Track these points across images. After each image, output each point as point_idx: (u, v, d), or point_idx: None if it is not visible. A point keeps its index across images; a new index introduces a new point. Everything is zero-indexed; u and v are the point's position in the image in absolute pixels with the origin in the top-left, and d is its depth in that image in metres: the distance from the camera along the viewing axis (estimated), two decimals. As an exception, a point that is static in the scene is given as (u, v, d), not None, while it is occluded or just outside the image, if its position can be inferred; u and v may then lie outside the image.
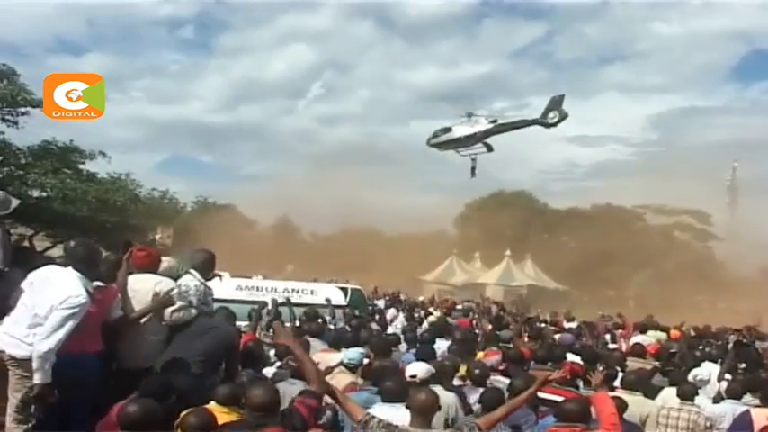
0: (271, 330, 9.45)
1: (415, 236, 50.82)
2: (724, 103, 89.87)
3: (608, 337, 14.12)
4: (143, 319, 5.72)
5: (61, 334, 4.70)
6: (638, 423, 6.79)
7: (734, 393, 7.64)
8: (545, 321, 16.68)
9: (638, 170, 66.32)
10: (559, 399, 5.92)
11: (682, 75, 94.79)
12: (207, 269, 6.32)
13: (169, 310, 5.75)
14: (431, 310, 18.51)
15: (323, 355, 7.32)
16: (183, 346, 5.67)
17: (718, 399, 8.02)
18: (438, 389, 5.44)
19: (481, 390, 6.64)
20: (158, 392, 4.63)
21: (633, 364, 9.39)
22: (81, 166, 30.02)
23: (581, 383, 7.11)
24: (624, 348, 11.70)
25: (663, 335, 13.39)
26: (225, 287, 10.73)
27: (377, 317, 15.14)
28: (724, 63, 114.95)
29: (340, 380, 6.51)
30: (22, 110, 27.03)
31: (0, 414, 4.82)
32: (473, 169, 31.92)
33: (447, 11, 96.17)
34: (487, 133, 31.14)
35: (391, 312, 16.72)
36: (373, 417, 4.56)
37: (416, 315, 16.69)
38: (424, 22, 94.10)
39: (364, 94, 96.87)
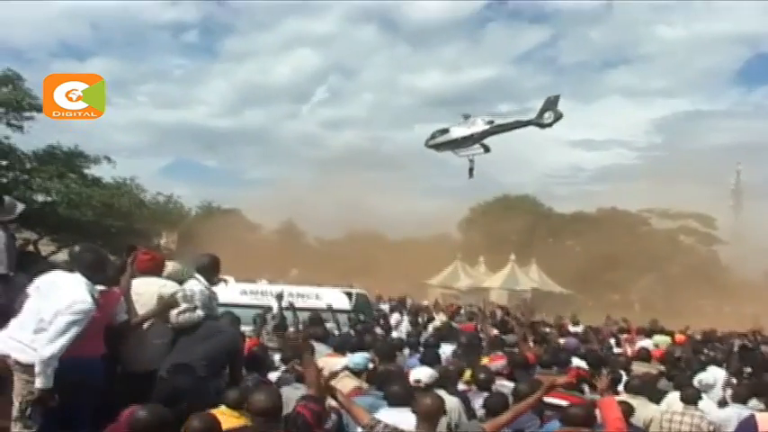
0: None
1: (420, 240, 50.75)
2: (728, 107, 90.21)
3: (613, 341, 14.10)
4: (147, 323, 5.73)
5: (65, 339, 4.69)
6: (641, 427, 6.78)
7: (739, 398, 7.62)
8: (550, 326, 16.64)
9: (642, 174, 66.41)
10: (565, 403, 5.91)
11: (686, 78, 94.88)
12: (212, 273, 6.31)
13: (175, 311, 5.74)
14: (434, 315, 18.46)
15: (328, 360, 7.31)
16: (187, 350, 5.67)
17: (723, 403, 7.99)
18: (442, 393, 5.43)
19: (485, 395, 6.63)
20: (169, 398, 4.63)
21: (639, 368, 9.38)
22: (86, 171, 30.22)
23: (586, 388, 7.10)
24: (629, 352, 11.68)
25: (668, 339, 13.37)
26: (229, 291, 10.74)
27: (381, 321, 15.11)
28: (728, 67, 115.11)
29: (345, 384, 6.49)
30: (27, 114, 27.18)
31: (6, 418, 4.83)
32: (471, 170, 32.00)
33: (451, 15, 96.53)
34: (484, 134, 31.16)
35: (395, 317, 16.68)
36: (379, 421, 4.56)
37: (420, 320, 16.65)
38: (428, 26, 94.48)
39: (369, 98, 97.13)
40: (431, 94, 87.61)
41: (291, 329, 10.07)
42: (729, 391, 8.38)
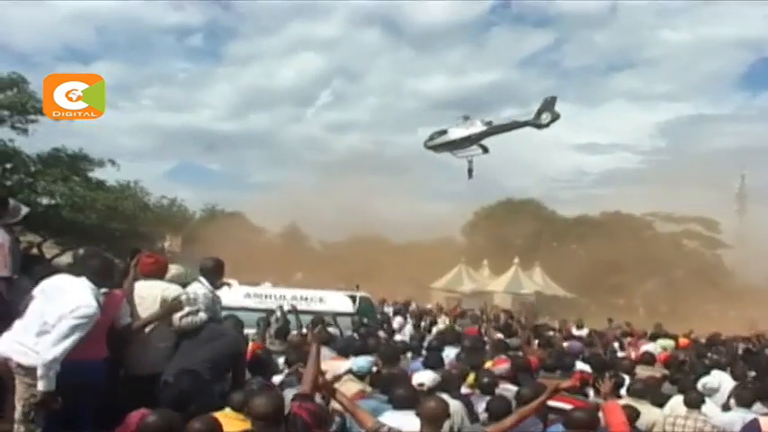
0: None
1: (424, 244, 50.73)
2: (732, 111, 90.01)
3: (616, 345, 14.08)
4: (150, 326, 5.73)
5: (68, 343, 4.70)
6: (644, 431, 6.77)
7: (743, 402, 7.60)
8: (553, 329, 16.63)
9: (646, 178, 66.36)
10: (568, 407, 5.90)
11: (690, 82, 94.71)
12: (215, 276, 6.32)
13: (178, 315, 5.75)
14: (437, 319, 18.45)
15: (332, 363, 7.30)
16: (191, 353, 5.67)
17: (728, 407, 7.97)
18: (445, 397, 5.43)
19: (488, 398, 6.62)
20: (177, 402, 4.64)
21: (643, 372, 9.36)
22: (90, 174, 30.26)
23: (591, 392, 7.09)
24: (633, 356, 11.66)
25: (672, 343, 13.34)
26: (233, 295, 10.73)
27: (384, 325, 15.11)
28: (732, 71, 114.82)
29: (348, 388, 6.49)
30: (32, 118, 27.22)
31: (8, 422, 4.83)
32: (470, 171, 32.15)
33: (455, 19, 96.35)
34: (482, 135, 31.36)
35: (398, 321, 16.67)
36: (384, 425, 4.57)
37: (423, 324, 16.64)
38: (432, 30, 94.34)
39: (373, 102, 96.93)
40: (435, 98, 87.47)
41: (294, 333, 10.08)
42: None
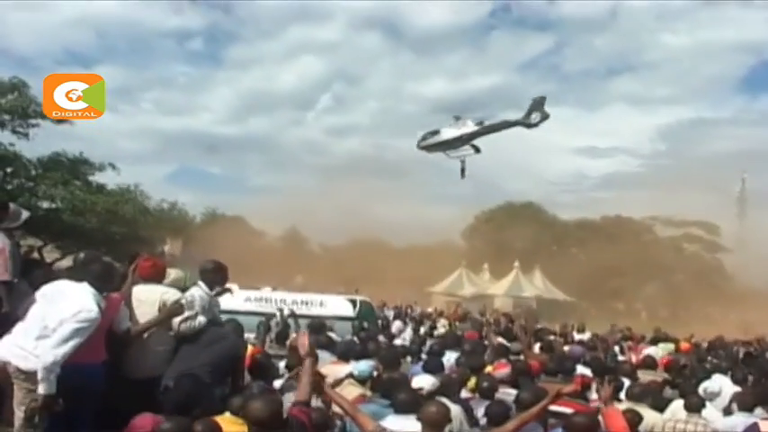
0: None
1: (424, 247, 50.73)
2: (732, 115, 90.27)
3: (617, 349, 14.06)
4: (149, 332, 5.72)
5: (68, 347, 4.69)
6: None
7: (744, 406, 7.58)
8: (554, 333, 16.61)
9: (646, 182, 66.51)
10: (568, 411, 5.89)
11: (690, 86, 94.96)
12: (214, 278, 6.30)
13: (177, 320, 5.74)
14: (437, 323, 18.44)
15: (332, 368, 7.29)
16: (191, 357, 5.66)
17: (729, 411, 7.95)
18: (444, 401, 5.42)
19: (488, 403, 6.61)
20: (180, 406, 4.64)
21: (644, 376, 9.34)
22: (90, 178, 30.23)
23: (593, 394, 7.08)
24: (633, 360, 11.64)
25: (672, 346, 13.33)
26: (233, 299, 10.73)
27: (384, 329, 15.11)
28: (732, 74, 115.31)
29: (349, 392, 6.47)
30: (33, 122, 27.23)
31: (8, 426, 4.82)
32: (462, 171, 32.26)
33: (455, 23, 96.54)
34: (474, 135, 31.45)
35: (397, 325, 16.65)
36: (384, 429, 4.56)
37: (423, 328, 16.62)
38: (432, 33, 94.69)
39: (373, 105, 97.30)
40: (435, 102, 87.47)
41: (294, 336, 10.06)
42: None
